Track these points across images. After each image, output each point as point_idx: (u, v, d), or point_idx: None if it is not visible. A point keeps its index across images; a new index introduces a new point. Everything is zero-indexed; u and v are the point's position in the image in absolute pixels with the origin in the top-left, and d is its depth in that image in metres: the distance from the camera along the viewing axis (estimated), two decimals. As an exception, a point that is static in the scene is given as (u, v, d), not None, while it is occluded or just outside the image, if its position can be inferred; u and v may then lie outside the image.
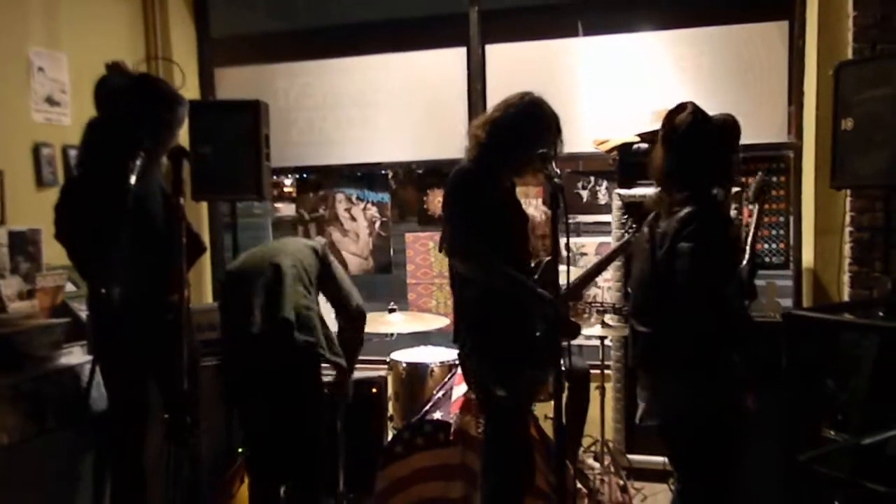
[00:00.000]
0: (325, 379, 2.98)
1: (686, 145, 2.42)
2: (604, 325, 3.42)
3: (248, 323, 2.69)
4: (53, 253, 3.45)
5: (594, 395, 3.49)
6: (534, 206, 4.07)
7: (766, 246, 3.86)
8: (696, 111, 2.44)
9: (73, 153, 3.68)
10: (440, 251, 2.58)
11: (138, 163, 2.27)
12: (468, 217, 2.37)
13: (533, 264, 2.61)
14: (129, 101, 2.69)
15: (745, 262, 2.69)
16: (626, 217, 3.74)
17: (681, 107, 2.46)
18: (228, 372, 2.90)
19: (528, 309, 2.42)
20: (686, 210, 2.35)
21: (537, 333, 2.43)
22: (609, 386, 3.71)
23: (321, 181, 4.62)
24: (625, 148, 3.79)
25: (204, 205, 4.58)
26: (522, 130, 2.40)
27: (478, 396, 2.62)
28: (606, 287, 3.90)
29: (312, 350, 2.76)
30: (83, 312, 3.19)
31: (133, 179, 2.22)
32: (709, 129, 2.45)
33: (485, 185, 2.43)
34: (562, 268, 2.25)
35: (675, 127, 2.44)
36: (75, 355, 2.97)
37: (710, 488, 2.48)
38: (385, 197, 4.54)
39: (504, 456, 2.53)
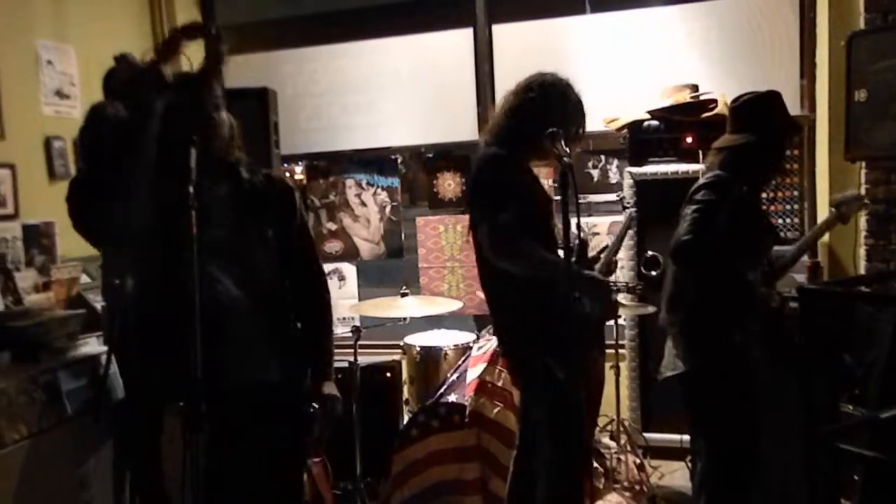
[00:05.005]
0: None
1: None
2: (618, 303, 3.41)
3: None
4: (68, 245, 3.48)
5: (609, 374, 3.48)
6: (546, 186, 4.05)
7: (780, 221, 3.82)
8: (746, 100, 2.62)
9: (83, 145, 3.70)
10: (485, 249, 2.37)
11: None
12: (510, 210, 2.27)
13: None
14: (137, 93, 2.68)
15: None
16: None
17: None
18: None
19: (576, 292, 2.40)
20: (708, 175, 2.55)
21: (584, 313, 2.41)
22: (624, 365, 3.70)
23: (331, 167, 4.62)
24: (635, 125, 3.75)
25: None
26: (546, 112, 2.33)
27: (532, 385, 2.51)
28: (620, 266, 3.87)
29: None
30: (98, 303, 3.22)
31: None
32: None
33: (515, 168, 2.39)
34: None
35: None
36: (91, 346, 2.99)
37: (727, 449, 2.57)
38: (395, 181, 4.53)
39: (562, 438, 2.45)
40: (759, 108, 2.58)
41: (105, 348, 2.94)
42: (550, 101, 2.40)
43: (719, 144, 2.64)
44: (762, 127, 2.55)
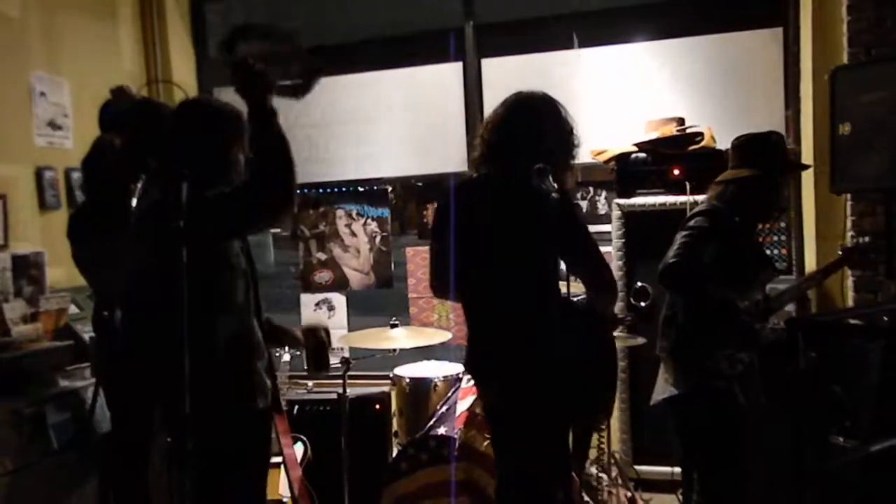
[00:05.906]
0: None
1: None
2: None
3: None
4: (57, 276, 3.47)
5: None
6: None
7: (767, 252, 3.85)
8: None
9: (75, 176, 3.71)
10: (604, 287, 2.32)
11: (139, 185, 2.30)
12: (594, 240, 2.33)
13: None
14: (132, 126, 2.70)
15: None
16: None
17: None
18: None
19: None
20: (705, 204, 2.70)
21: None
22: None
23: (321, 197, 4.64)
24: (622, 157, 3.79)
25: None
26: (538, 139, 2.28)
27: (560, 419, 2.34)
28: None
29: None
30: (87, 335, 3.20)
31: (134, 202, 2.24)
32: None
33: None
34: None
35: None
36: (79, 378, 2.97)
37: (718, 478, 2.61)
38: (385, 212, 4.55)
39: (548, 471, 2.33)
40: (760, 146, 2.70)
41: (93, 380, 2.92)
42: (543, 127, 2.31)
43: (721, 178, 2.74)
44: (763, 163, 2.65)
